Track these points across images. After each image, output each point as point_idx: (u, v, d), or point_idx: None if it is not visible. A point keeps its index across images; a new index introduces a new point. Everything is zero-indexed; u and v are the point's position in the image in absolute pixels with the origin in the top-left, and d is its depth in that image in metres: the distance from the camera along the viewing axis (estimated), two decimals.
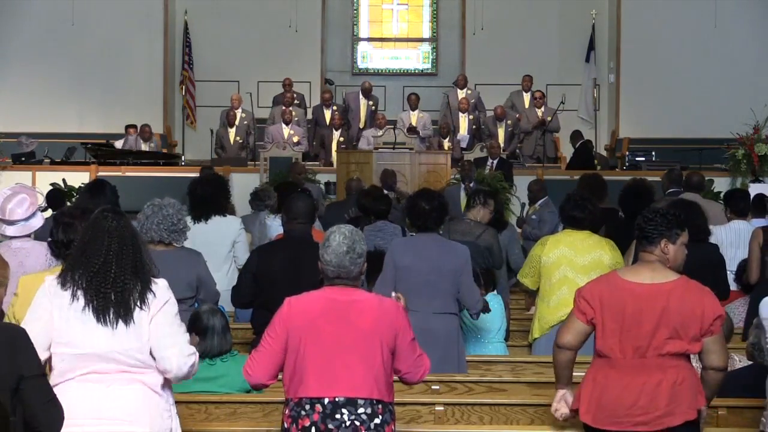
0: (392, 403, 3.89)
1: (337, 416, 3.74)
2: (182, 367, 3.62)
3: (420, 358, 3.97)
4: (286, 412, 3.84)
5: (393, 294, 4.08)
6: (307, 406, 3.77)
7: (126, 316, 3.57)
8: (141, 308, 3.60)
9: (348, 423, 3.74)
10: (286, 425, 3.82)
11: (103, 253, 3.59)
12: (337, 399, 3.76)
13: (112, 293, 3.57)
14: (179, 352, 3.61)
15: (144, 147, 14.84)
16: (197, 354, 3.74)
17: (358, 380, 3.78)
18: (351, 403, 3.76)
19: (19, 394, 3.05)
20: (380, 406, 3.80)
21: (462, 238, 6.93)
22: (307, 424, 3.75)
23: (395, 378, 3.99)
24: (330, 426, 3.73)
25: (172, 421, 3.73)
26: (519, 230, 10.07)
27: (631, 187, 7.38)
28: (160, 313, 3.63)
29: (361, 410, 3.76)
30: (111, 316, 3.56)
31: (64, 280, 3.61)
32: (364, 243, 3.96)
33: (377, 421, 3.78)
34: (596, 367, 4.13)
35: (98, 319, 3.55)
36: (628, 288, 4.07)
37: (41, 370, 3.14)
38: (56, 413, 3.17)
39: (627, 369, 4.03)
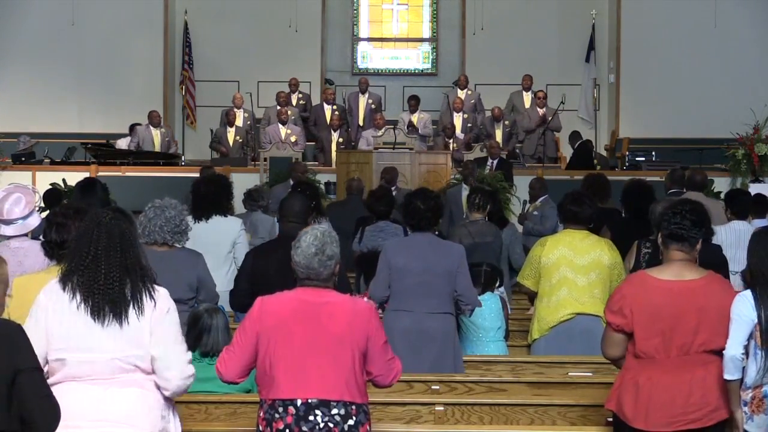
0: (366, 404, 3.88)
1: (311, 418, 3.73)
2: (180, 387, 3.67)
3: (392, 361, 3.96)
4: (261, 414, 3.83)
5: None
6: (281, 409, 3.76)
7: (120, 314, 3.56)
8: (137, 310, 3.58)
9: (321, 425, 3.73)
10: (260, 428, 3.82)
11: (91, 250, 3.58)
12: (309, 401, 3.75)
13: (104, 290, 3.56)
14: (179, 374, 3.65)
15: (155, 133, 14.82)
16: (194, 371, 3.74)
17: (330, 382, 3.77)
18: (324, 404, 3.75)
19: (16, 388, 3.04)
20: (353, 408, 3.79)
21: (482, 239, 7.01)
22: (281, 426, 3.74)
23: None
24: (303, 428, 3.73)
25: (171, 423, 3.72)
26: (521, 227, 10.08)
27: (633, 186, 7.39)
28: (161, 327, 3.62)
29: (334, 411, 3.75)
30: (106, 313, 3.55)
31: (63, 280, 3.61)
32: (336, 245, 3.93)
33: (351, 422, 3.77)
34: (635, 369, 4.13)
35: (94, 318, 3.54)
36: (664, 287, 4.09)
37: (37, 364, 3.13)
38: (52, 409, 3.16)
39: (670, 368, 4.05)
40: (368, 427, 3.85)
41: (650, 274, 4.18)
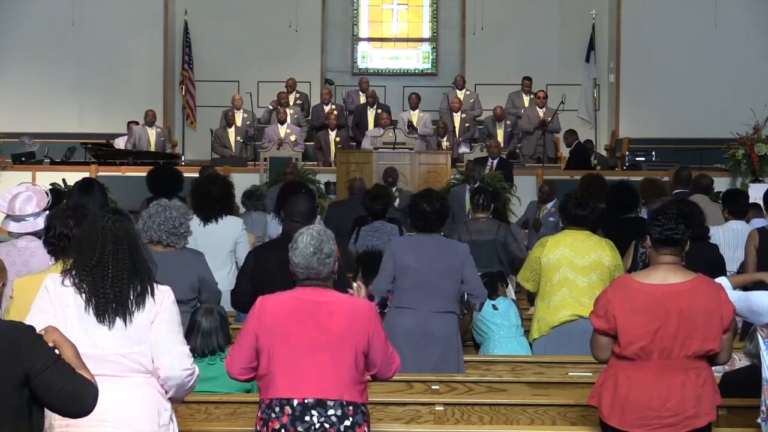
0: (365, 405, 3.85)
1: (307, 418, 3.71)
2: (178, 381, 3.61)
3: (392, 355, 3.94)
4: (259, 414, 3.82)
5: (354, 284, 4.06)
6: (277, 408, 3.74)
7: (125, 315, 3.55)
8: (142, 310, 3.59)
9: (317, 425, 3.71)
10: (257, 428, 3.80)
11: (97, 253, 3.58)
12: (306, 400, 3.73)
13: (111, 293, 3.56)
14: (175, 365, 3.59)
15: (150, 132, 14.85)
16: (195, 369, 3.68)
17: (327, 381, 3.75)
18: (320, 404, 3.73)
19: (34, 391, 3.02)
20: (351, 408, 3.76)
21: (482, 237, 7.10)
22: (277, 426, 3.72)
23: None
24: (299, 429, 3.70)
25: (170, 423, 3.72)
26: (536, 232, 10.02)
27: (616, 188, 7.47)
28: (160, 321, 3.61)
29: (330, 411, 3.73)
30: (110, 314, 3.54)
31: (64, 279, 3.61)
32: (333, 243, 3.93)
33: (347, 423, 3.74)
34: (616, 368, 4.12)
35: (98, 319, 3.54)
36: (647, 291, 4.06)
37: (50, 362, 3.07)
38: (76, 390, 3.04)
39: (651, 370, 4.03)
40: (366, 428, 3.82)
41: (635, 279, 4.15)
